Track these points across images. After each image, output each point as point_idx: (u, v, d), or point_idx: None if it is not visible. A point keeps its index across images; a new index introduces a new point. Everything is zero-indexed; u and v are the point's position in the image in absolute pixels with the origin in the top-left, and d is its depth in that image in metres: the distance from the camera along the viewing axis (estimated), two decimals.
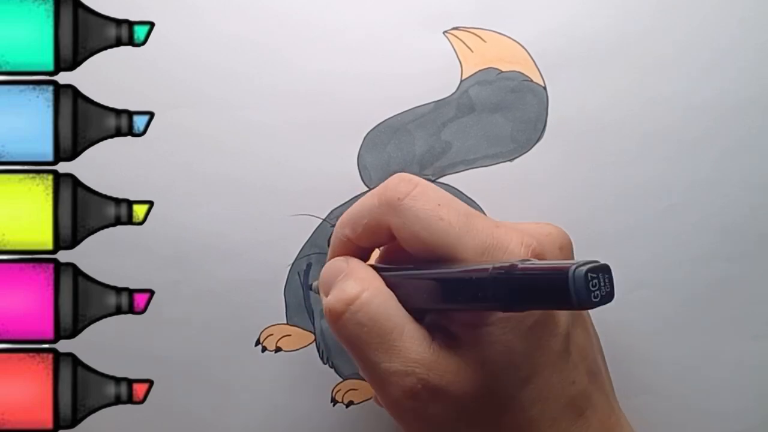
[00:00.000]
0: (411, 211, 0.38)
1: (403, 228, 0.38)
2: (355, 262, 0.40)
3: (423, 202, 0.38)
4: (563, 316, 0.37)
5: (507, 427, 0.37)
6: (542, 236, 0.39)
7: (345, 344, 0.39)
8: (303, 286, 0.47)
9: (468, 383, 0.36)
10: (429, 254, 0.38)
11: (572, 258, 0.40)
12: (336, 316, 0.38)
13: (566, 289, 0.30)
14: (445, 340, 0.37)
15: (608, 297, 0.31)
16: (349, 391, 0.47)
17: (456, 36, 0.47)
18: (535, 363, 0.37)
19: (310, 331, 0.47)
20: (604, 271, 0.31)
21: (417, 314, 0.38)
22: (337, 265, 0.40)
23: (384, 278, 0.39)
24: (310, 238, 0.47)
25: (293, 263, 0.47)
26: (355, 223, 0.41)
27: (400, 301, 0.38)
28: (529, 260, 0.34)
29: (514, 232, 0.37)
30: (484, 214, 0.46)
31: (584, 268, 0.30)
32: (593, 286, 0.30)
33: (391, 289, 0.38)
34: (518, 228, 0.38)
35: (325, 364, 0.47)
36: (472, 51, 0.47)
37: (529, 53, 0.47)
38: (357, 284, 0.38)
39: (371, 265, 0.41)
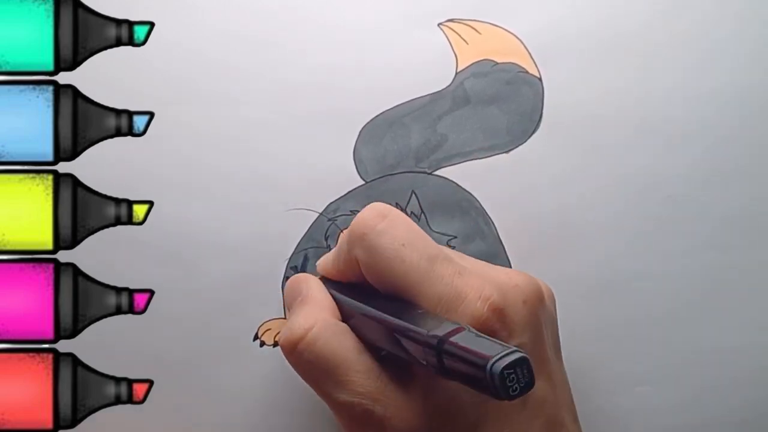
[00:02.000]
0: (374, 247, 0.38)
1: (366, 264, 0.39)
2: (314, 286, 0.41)
3: (387, 239, 0.38)
4: None
5: None
6: (508, 287, 0.38)
7: (300, 374, 0.40)
8: None
9: (413, 420, 0.37)
10: (390, 292, 0.38)
11: (539, 311, 0.39)
12: (287, 352, 0.39)
13: (483, 380, 0.31)
14: (397, 373, 0.37)
15: (527, 387, 0.31)
16: None
17: (451, 28, 0.47)
18: (484, 413, 0.37)
19: None
20: (521, 364, 0.31)
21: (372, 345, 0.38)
22: (296, 284, 0.42)
23: (342, 304, 0.40)
24: (306, 232, 0.47)
25: (290, 257, 0.47)
26: (334, 257, 0.42)
27: (355, 329, 0.39)
28: (464, 331, 0.33)
29: (475, 281, 0.37)
30: (482, 207, 0.47)
31: (501, 365, 0.30)
32: (510, 380, 0.31)
33: (348, 317, 0.39)
34: (483, 276, 0.38)
35: None
36: (467, 43, 0.47)
37: (524, 45, 0.47)
38: (305, 320, 0.39)
39: (334, 284, 0.42)
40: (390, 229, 0.39)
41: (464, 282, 0.37)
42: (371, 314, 0.38)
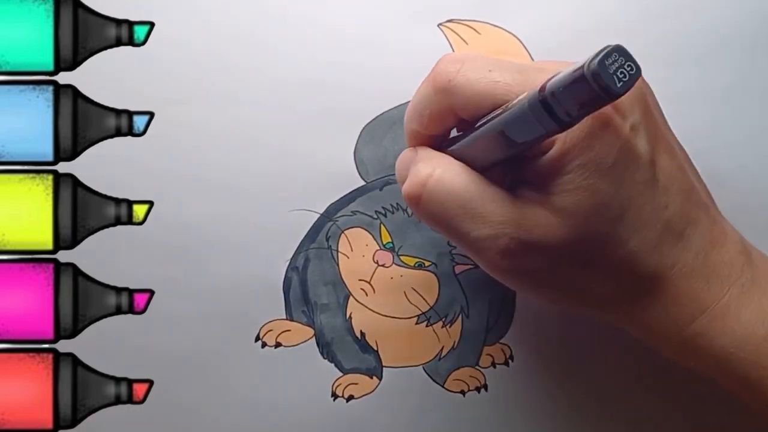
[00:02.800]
0: (465, 87, 0.38)
1: (465, 105, 0.38)
2: (423, 149, 0.41)
3: (473, 73, 0.38)
4: (642, 146, 0.37)
5: (608, 264, 0.37)
6: None
7: (431, 224, 0.39)
8: (302, 281, 0.47)
9: (559, 232, 0.36)
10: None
11: (642, 86, 0.39)
12: (415, 200, 0.38)
13: (590, 88, 0.30)
14: (528, 195, 0.37)
15: (635, 73, 0.31)
16: (349, 385, 0.47)
17: (451, 28, 0.47)
18: (624, 198, 0.36)
19: (310, 326, 0.47)
20: (615, 51, 0.31)
21: (496, 177, 0.38)
22: (406, 155, 0.41)
23: (454, 153, 0.39)
24: (308, 233, 0.47)
25: (291, 258, 0.47)
26: (420, 115, 0.41)
27: (476, 168, 0.38)
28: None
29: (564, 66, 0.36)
30: None
31: (596, 60, 0.30)
32: (613, 71, 0.30)
33: (464, 161, 0.39)
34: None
35: (325, 358, 0.47)
36: (466, 43, 0.47)
37: (524, 45, 0.47)
38: (427, 165, 0.38)
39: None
40: (471, 64, 0.38)
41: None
42: (481, 132, 0.37)
